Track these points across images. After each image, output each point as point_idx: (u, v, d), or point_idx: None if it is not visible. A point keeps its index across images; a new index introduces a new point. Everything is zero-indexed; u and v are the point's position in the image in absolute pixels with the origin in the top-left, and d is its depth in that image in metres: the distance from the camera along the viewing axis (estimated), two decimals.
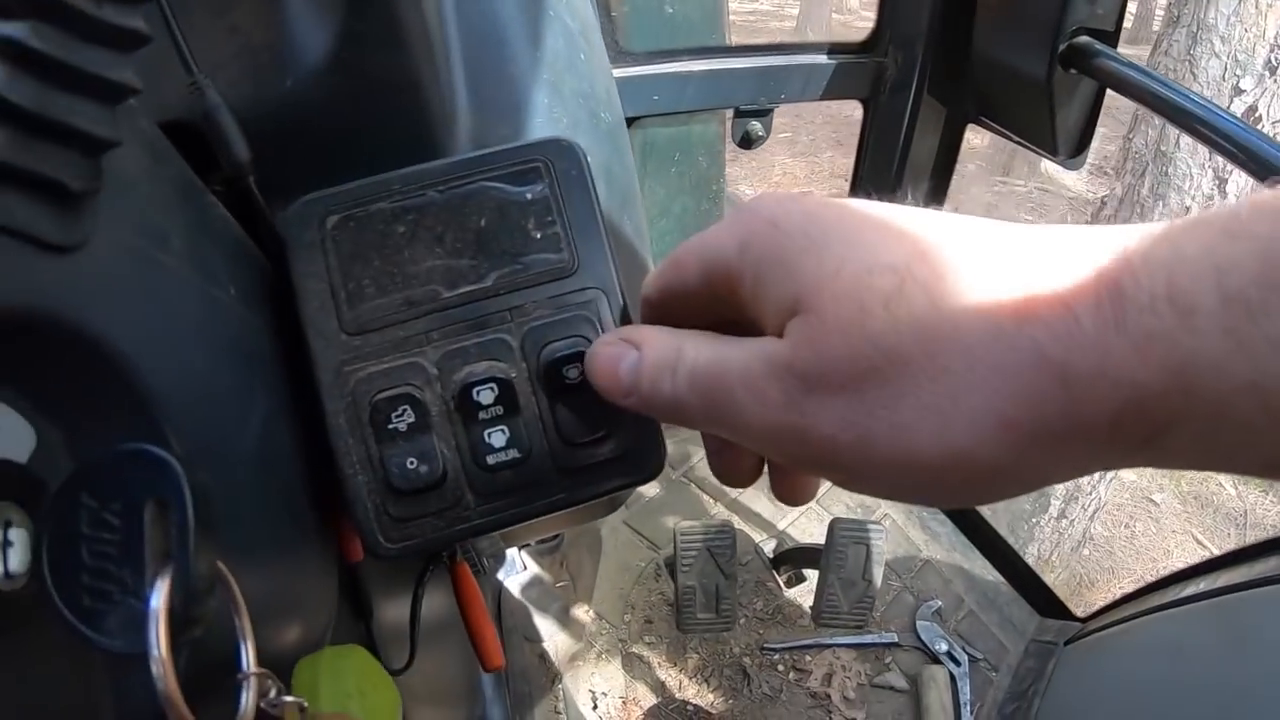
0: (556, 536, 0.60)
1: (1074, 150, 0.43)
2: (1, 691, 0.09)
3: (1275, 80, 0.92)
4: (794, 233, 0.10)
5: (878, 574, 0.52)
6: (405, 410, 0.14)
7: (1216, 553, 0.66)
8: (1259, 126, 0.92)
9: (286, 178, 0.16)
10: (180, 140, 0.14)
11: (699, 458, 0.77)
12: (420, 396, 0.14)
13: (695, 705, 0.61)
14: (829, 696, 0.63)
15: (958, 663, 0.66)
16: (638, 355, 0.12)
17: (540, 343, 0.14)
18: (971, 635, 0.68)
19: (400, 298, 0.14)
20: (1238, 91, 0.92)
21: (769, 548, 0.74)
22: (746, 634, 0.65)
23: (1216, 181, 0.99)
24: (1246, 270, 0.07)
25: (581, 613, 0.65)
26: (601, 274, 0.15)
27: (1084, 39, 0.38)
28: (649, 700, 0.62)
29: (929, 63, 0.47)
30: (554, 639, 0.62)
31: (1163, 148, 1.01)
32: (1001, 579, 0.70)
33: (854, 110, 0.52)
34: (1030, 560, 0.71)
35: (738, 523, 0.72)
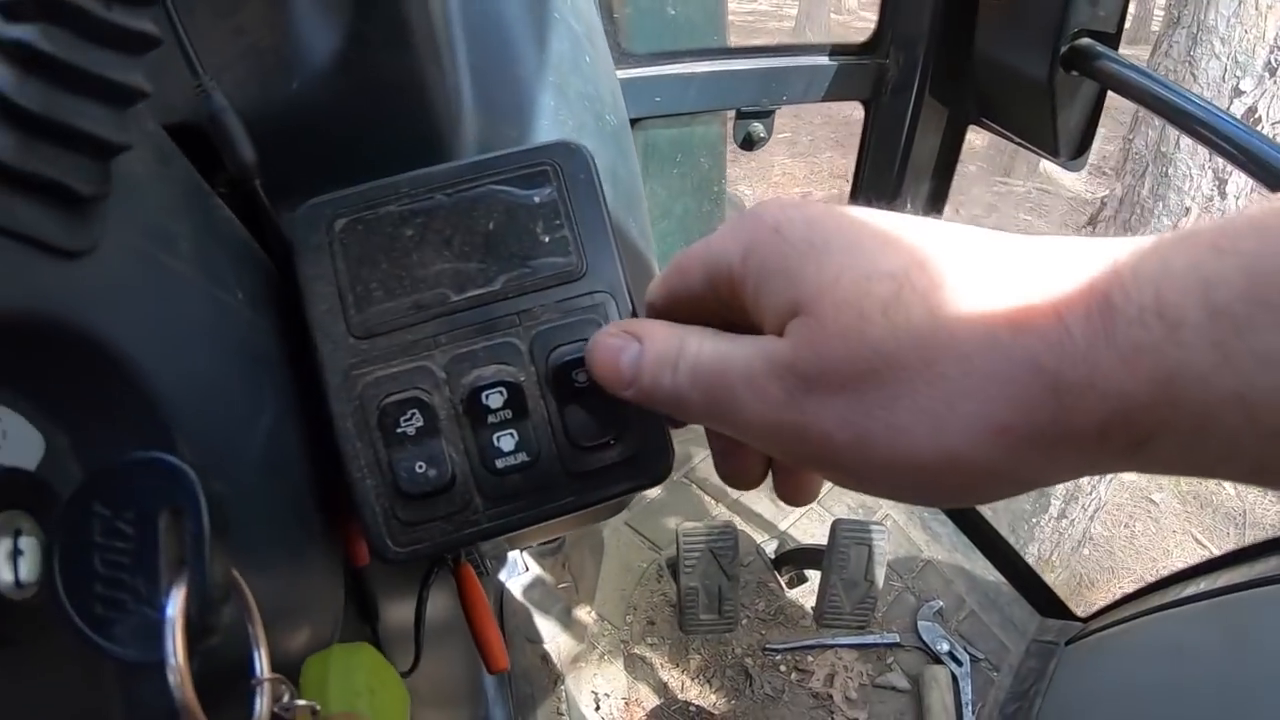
0: (558, 538, 0.60)
1: (1075, 152, 0.43)
2: (12, 700, 0.09)
3: (1275, 82, 0.92)
4: (795, 239, 0.10)
5: (880, 575, 0.52)
6: (414, 414, 0.14)
7: (1216, 553, 0.66)
8: (1258, 127, 0.92)
9: (291, 180, 0.16)
10: (184, 142, 0.14)
11: (700, 458, 0.77)
12: (429, 400, 0.14)
13: (698, 706, 0.62)
14: (831, 697, 0.63)
15: (959, 663, 0.66)
16: (639, 348, 0.12)
17: (549, 346, 0.14)
18: (973, 635, 0.69)
19: (408, 301, 0.14)
20: (1237, 93, 0.92)
21: (770, 549, 0.74)
22: (749, 635, 0.66)
23: (1216, 182, 0.99)
24: (1233, 285, 0.08)
25: (583, 614, 0.65)
26: (609, 277, 0.15)
27: (1085, 41, 0.38)
28: (651, 701, 0.62)
29: (930, 64, 0.47)
30: (556, 640, 0.62)
31: (1163, 149, 1.01)
32: (1003, 579, 0.70)
33: (853, 111, 0.52)
34: (1031, 560, 0.71)
35: (739, 524, 0.72)
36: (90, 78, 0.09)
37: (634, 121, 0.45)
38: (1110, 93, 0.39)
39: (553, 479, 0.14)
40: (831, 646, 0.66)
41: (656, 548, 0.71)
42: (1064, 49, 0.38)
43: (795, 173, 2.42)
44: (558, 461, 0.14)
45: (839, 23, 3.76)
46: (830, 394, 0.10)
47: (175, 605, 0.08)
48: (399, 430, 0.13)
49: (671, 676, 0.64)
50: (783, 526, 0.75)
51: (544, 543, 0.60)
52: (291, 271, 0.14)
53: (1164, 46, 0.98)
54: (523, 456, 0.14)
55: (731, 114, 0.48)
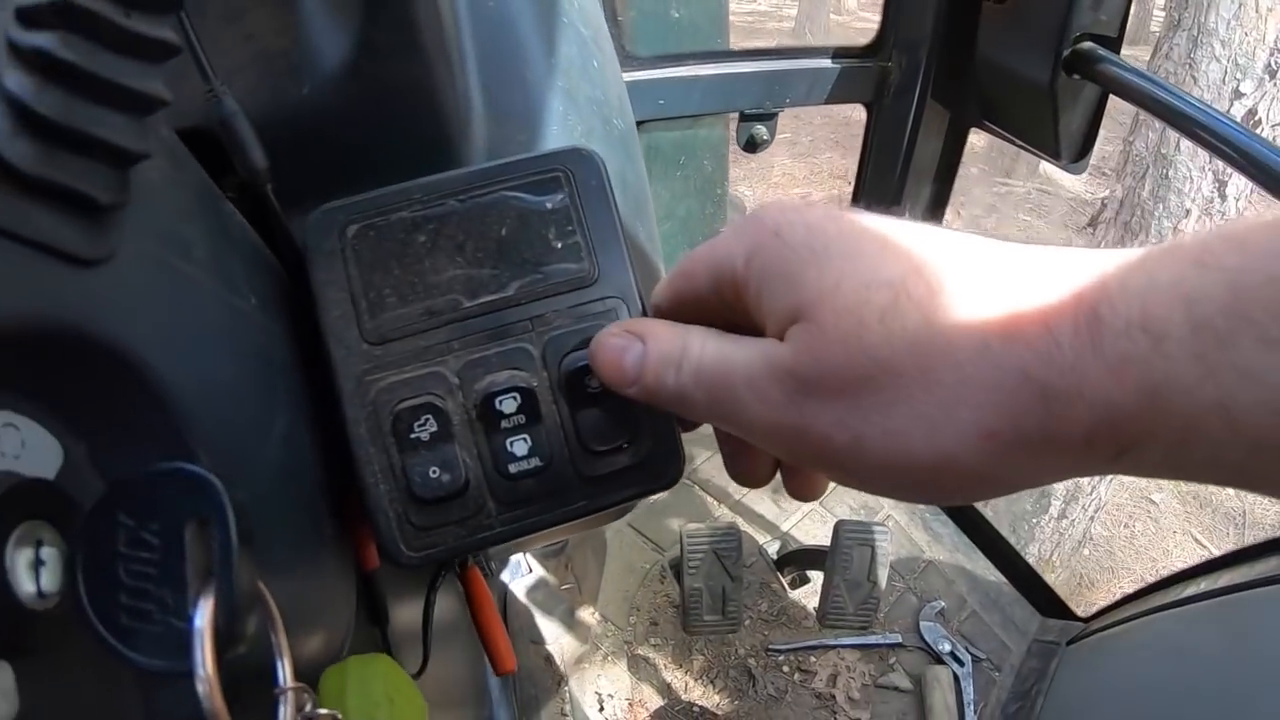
0: (562, 540, 0.60)
1: (1077, 154, 0.43)
2: (34, 711, 0.09)
3: (1275, 84, 0.92)
4: (797, 245, 0.11)
5: (883, 575, 0.52)
6: (427, 419, 0.14)
7: (1216, 553, 0.67)
8: (1259, 130, 0.92)
9: (301, 184, 0.16)
10: (194, 146, 0.14)
11: (702, 460, 0.78)
12: (442, 406, 0.14)
13: (701, 706, 0.62)
14: (834, 697, 0.63)
15: (961, 663, 0.66)
16: (642, 348, 0.12)
17: (561, 352, 0.14)
18: (974, 635, 0.69)
19: (421, 307, 0.14)
20: (1238, 95, 0.93)
21: (773, 550, 0.74)
22: (751, 635, 0.66)
23: (1216, 184, 1.00)
24: (1215, 300, 0.08)
25: (587, 615, 0.65)
26: (621, 283, 0.15)
27: (1087, 44, 0.38)
28: (655, 702, 0.62)
29: (933, 67, 0.47)
30: (560, 641, 0.62)
31: (1163, 151, 1.02)
32: (1004, 580, 0.70)
33: (853, 111, 0.53)
34: (1031, 560, 0.72)
35: (741, 525, 0.72)
36: (110, 86, 0.09)
37: (638, 124, 0.45)
38: (1111, 95, 0.39)
39: (565, 483, 0.14)
40: (834, 647, 0.66)
41: (659, 549, 0.71)
42: (1066, 52, 0.38)
43: (795, 173, 2.43)
44: (570, 466, 0.14)
45: (838, 23, 3.76)
46: (829, 398, 0.10)
47: (204, 616, 0.08)
48: (412, 436, 0.14)
49: (675, 677, 0.64)
50: (785, 527, 0.75)
51: (548, 544, 0.60)
52: (303, 277, 0.14)
53: (1164, 49, 0.99)
54: (536, 461, 0.14)
55: (734, 116, 0.48)
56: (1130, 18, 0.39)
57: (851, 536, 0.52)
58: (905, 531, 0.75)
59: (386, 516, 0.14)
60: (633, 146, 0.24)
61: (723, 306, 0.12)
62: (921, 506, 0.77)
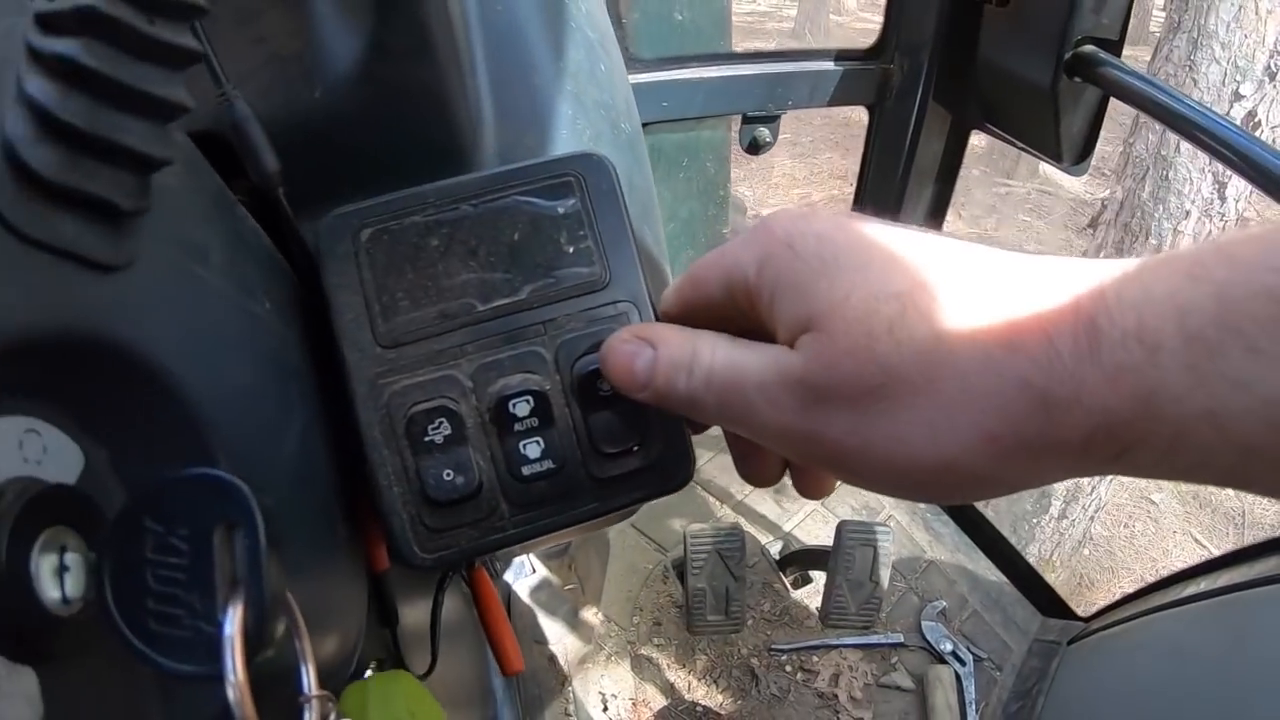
0: (566, 540, 0.60)
1: (1078, 157, 0.43)
2: (57, 717, 0.09)
3: (1275, 86, 0.93)
4: (808, 255, 0.11)
5: (885, 575, 0.52)
6: (441, 422, 0.14)
7: (1215, 552, 0.67)
8: (1258, 132, 0.93)
9: (312, 188, 0.16)
10: (204, 150, 0.14)
11: (705, 460, 0.78)
12: (456, 409, 0.14)
13: (704, 706, 0.62)
14: (836, 696, 0.63)
15: (963, 662, 0.66)
16: (653, 353, 0.13)
17: (573, 355, 0.14)
18: (976, 635, 0.69)
19: (435, 311, 0.14)
20: (1237, 97, 0.93)
21: (775, 550, 0.74)
22: (754, 635, 0.66)
23: (1216, 186, 1.00)
24: (1206, 312, 0.08)
25: (590, 615, 0.65)
26: (632, 287, 0.15)
27: (1089, 48, 0.38)
28: (658, 702, 0.62)
29: (934, 69, 0.47)
30: (563, 641, 0.62)
31: (1163, 152, 1.02)
32: (1005, 579, 0.71)
33: (853, 113, 0.53)
34: (1031, 560, 0.72)
35: (744, 525, 0.72)
36: (134, 93, 0.10)
37: (642, 125, 0.45)
38: (1112, 98, 0.39)
39: (577, 485, 0.14)
40: (836, 647, 0.66)
41: (662, 549, 0.71)
42: (1067, 55, 0.38)
43: (796, 174, 2.43)
44: (582, 468, 0.14)
45: (838, 23, 3.74)
46: (840, 405, 0.11)
47: (235, 621, 0.08)
48: (426, 438, 0.14)
49: (678, 677, 0.64)
50: (787, 528, 0.76)
51: (551, 545, 0.60)
52: (317, 281, 0.15)
53: (1164, 51, 0.99)
54: (548, 464, 0.14)
55: (737, 118, 0.49)
56: (1130, 19, 0.39)
57: (854, 537, 0.52)
58: (907, 532, 0.76)
59: (400, 519, 0.14)
60: (640, 150, 0.24)
61: (734, 312, 0.12)
62: (922, 507, 0.78)
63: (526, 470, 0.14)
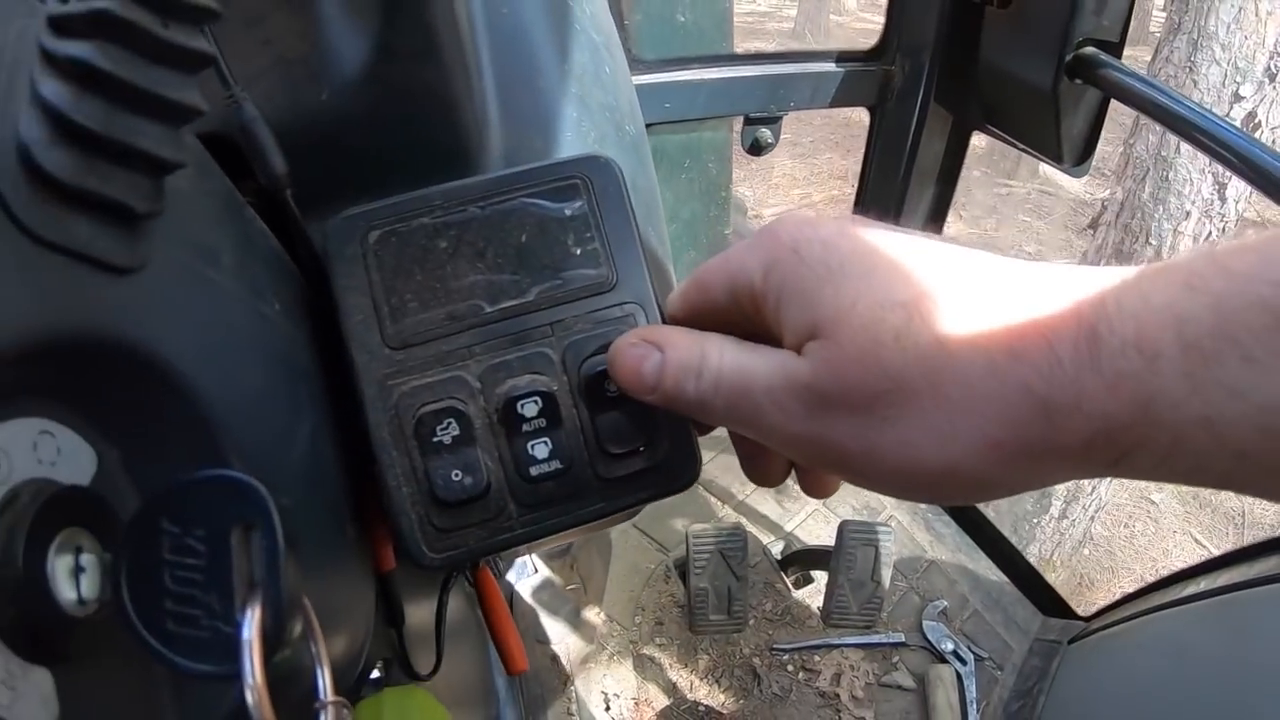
0: (568, 540, 0.60)
1: (1079, 158, 0.43)
2: (72, 717, 0.09)
3: (1275, 87, 0.93)
4: (813, 262, 0.11)
5: (886, 575, 0.53)
6: (450, 423, 0.14)
7: (1215, 552, 0.67)
8: (1258, 133, 0.93)
9: (319, 189, 0.16)
10: (212, 152, 0.14)
11: (706, 460, 0.76)
12: (464, 410, 0.14)
13: (706, 705, 0.62)
14: (838, 696, 0.63)
15: (964, 662, 0.66)
16: (660, 357, 0.13)
17: (581, 356, 0.15)
18: (977, 635, 0.69)
19: (443, 312, 0.14)
20: (1237, 98, 0.93)
21: (777, 550, 0.74)
22: (756, 635, 0.66)
23: (1216, 187, 1.00)
24: (1203, 323, 0.09)
25: (593, 615, 0.65)
26: (639, 289, 0.15)
27: (1090, 50, 0.38)
28: (661, 701, 0.62)
29: (936, 71, 0.47)
30: (565, 641, 0.62)
31: (1163, 153, 1.02)
32: (1005, 579, 0.71)
33: (853, 113, 0.53)
34: (1032, 560, 0.72)
35: (745, 525, 0.72)
36: (148, 96, 0.10)
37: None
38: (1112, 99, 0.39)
39: (584, 485, 0.14)
40: (838, 646, 0.66)
41: (664, 549, 0.72)
42: (1068, 57, 0.38)
43: (796, 174, 2.43)
44: (589, 468, 0.14)
45: (838, 24, 3.74)
46: (846, 412, 0.11)
47: (253, 622, 0.08)
48: (435, 439, 0.14)
49: (680, 676, 0.64)
50: (788, 528, 0.76)
51: (554, 545, 0.60)
52: (324, 282, 0.15)
53: (1165, 52, 0.99)
54: (556, 464, 0.14)
55: (738, 118, 0.49)
56: (1130, 20, 0.39)
57: (856, 537, 0.52)
58: (908, 532, 0.76)
59: (409, 519, 0.14)
60: (643, 152, 0.24)
61: (740, 316, 0.13)
62: (924, 507, 0.78)
63: (534, 470, 0.14)
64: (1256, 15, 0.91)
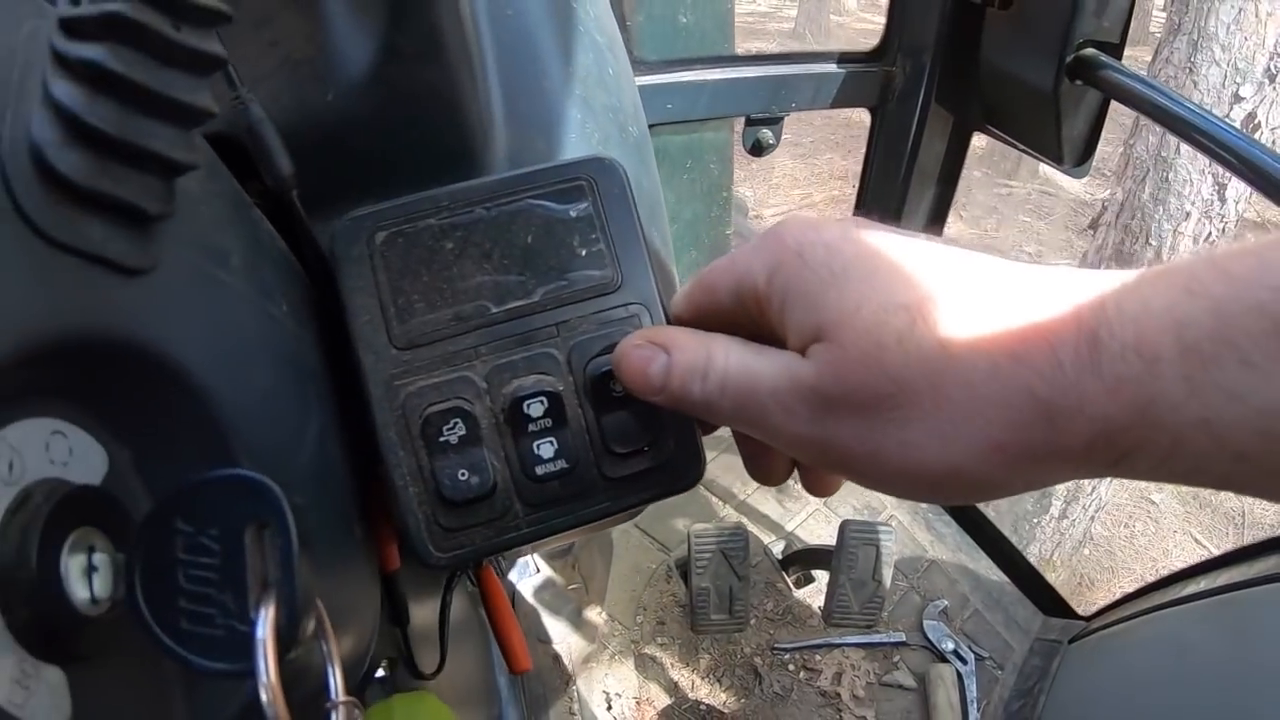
0: (570, 540, 0.60)
1: (1079, 159, 0.43)
2: (84, 716, 0.09)
3: (1275, 88, 0.93)
4: (817, 265, 0.12)
5: (887, 575, 0.53)
6: (456, 423, 0.14)
7: (1215, 552, 0.67)
8: (1258, 134, 0.93)
9: (325, 190, 0.16)
10: (218, 153, 0.14)
11: (708, 460, 0.77)
12: (470, 410, 0.14)
13: (708, 705, 0.62)
14: (839, 695, 0.63)
15: (964, 661, 0.66)
16: (667, 359, 0.13)
17: (586, 357, 0.15)
18: (977, 634, 0.69)
19: (449, 313, 0.14)
20: (1237, 99, 0.93)
21: (778, 549, 0.74)
22: (757, 634, 0.66)
23: (1216, 187, 1.00)
24: (1202, 326, 0.09)
25: (594, 615, 0.65)
26: (644, 290, 0.15)
27: (1090, 51, 0.38)
28: (662, 700, 0.62)
29: (937, 72, 0.47)
30: (567, 640, 0.62)
31: (1163, 154, 1.02)
32: (1006, 579, 0.71)
33: (853, 114, 0.53)
34: (1032, 560, 0.72)
35: (746, 525, 0.72)
36: (160, 98, 0.10)
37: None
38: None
39: (590, 485, 0.14)
40: (839, 646, 0.66)
41: (665, 549, 0.72)
42: (1069, 58, 0.38)
43: (797, 175, 2.43)
44: (594, 468, 0.14)
45: (838, 24, 3.73)
46: (851, 414, 0.11)
47: (267, 621, 0.08)
48: (441, 439, 0.14)
49: (682, 676, 0.64)
50: (789, 527, 0.76)
51: (555, 545, 0.60)
52: (331, 283, 0.15)
53: (1165, 53, 0.99)
54: (562, 464, 0.14)
55: (740, 119, 0.49)
56: (1131, 21, 0.39)
57: (857, 536, 0.52)
58: (908, 531, 0.76)
59: (416, 518, 0.14)
60: (647, 153, 0.24)
61: (744, 318, 0.13)
62: (924, 507, 0.78)
63: (540, 470, 0.14)
64: (1256, 16, 0.91)
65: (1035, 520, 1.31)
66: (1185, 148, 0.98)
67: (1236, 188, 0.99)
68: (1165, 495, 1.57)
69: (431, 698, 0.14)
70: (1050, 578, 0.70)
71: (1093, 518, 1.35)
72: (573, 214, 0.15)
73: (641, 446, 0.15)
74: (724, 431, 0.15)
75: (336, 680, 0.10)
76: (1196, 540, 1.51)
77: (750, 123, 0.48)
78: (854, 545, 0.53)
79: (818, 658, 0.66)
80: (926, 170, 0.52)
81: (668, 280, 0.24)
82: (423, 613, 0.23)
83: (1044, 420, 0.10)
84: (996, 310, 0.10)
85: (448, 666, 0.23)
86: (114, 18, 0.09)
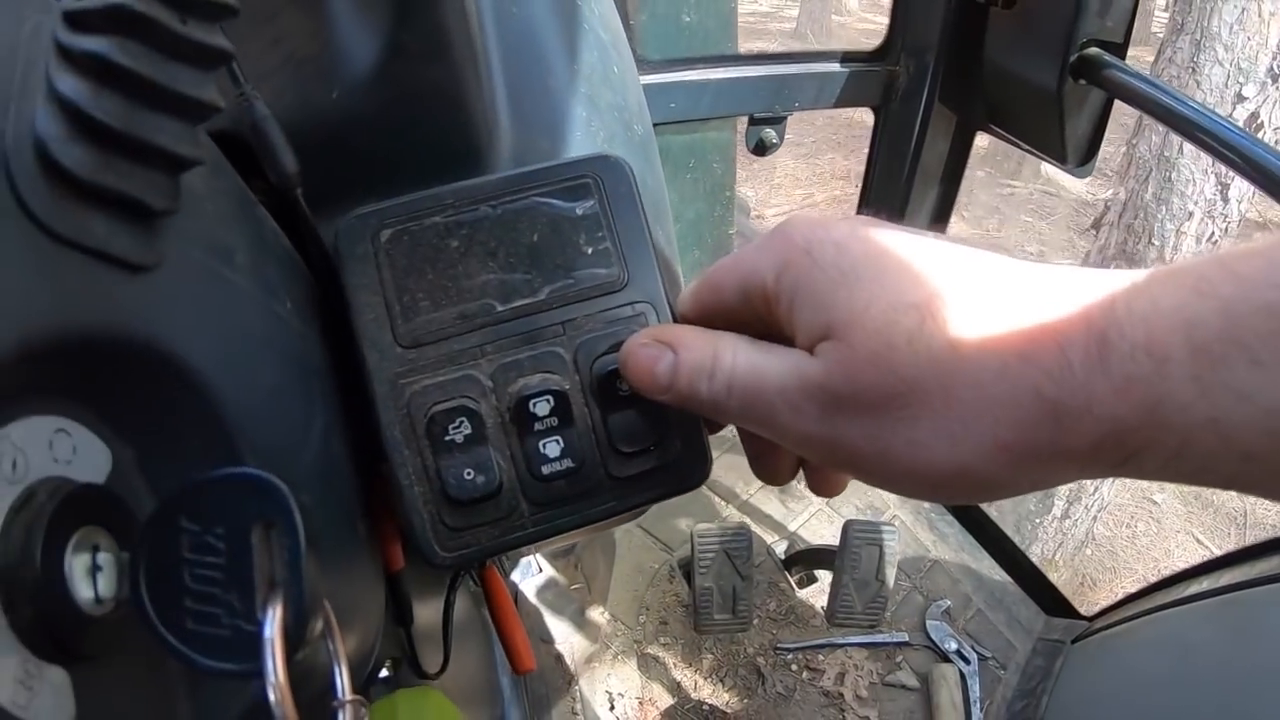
0: (573, 540, 0.60)
1: (1083, 159, 0.43)
2: (88, 716, 0.09)
3: (1277, 88, 0.93)
4: (826, 264, 0.11)
5: (891, 575, 0.52)
6: (462, 422, 0.14)
7: (1217, 552, 0.67)
8: (1261, 133, 0.93)
9: (329, 189, 0.16)
10: (222, 151, 0.14)
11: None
12: (476, 409, 0.14)
13: (711, 705, 0.62)
14: (842, 695, 0.63)
15: (967, 661, 0.66)
16: (673, 358, 0.13)
17: (592, 355, 0.15)
18: (980, 634, 0.69)
19: (454, 311, 0.14)
20: (1240, 99, 0.93)
21: (781, 549, 0.74)
22: (760, 634, 0.66)
23: (1219, 187, 1.00)
24: (1211, 327, 0.09)
25: (597, 614, 0.65)
26: (650, 288, 0.15)
27: (1094, 50, 0.38)
28: (665, 700, 0.62)
29: (940, 71, 0.47)
30: (570, 640, 0.62)
31: (1166, 153, 1.02)
32: (1009, 579, 0.71)
33: (855, 114, 0.53)
34: (1034, 560, 0.72)
35: (749, 525, 0.72)
36: (166, 92, 0.10)
37: None
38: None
39: (596, 484, 0.14)
40: (842, 646, 0.66)
41: (668, 549, 0.72)
42: (1073, 58, 0.38)
43: (798, 175, 2.43)
44: (600, 467, 0.14)
45: (839, 24, 3.72)
46: (859, 413, 0.11)
47: (275, 621, 0.08)
48: (447, 438, 0.14)
49: (684, 676, 0.64)
50: (792, 527, 0.76)
51: (558, 544, 0.60)
52: (335, 281, 0.15)
53: (1168, 53, 0.99)
54: (568, 463, 0.14)
55: (743, 119, 0.49)
56: (1134, 21, 0.39)
57: (860, 536, 0.52)
58: (911, 531, 0.76)
59: (421, 518, 0.14)
60: (651, 152, 0.24)
61: (751, 316, 0.13)
62: (927, 506, 0.78)
63: (546, 469, 0.14)
64: (1259, 16, 0.91)
65: (1038, 520, 1.31)
66: (1188, 147, 0.98)
67: (1239, 187, 0.99)
68: (1167, 495, 1.57)
69: (435, 693, 0.14)
70: (1052, 578, 0.70)
71: (1095, 518, 1.34)
72: (579, 212, 0.15)
73: (648, 446, 0.15)
74: (727, 431, 0.15)
75: (343, 679, 0.10)
76: (1198, 540, 1.51)
77: (753, 122, 0.48)
78: (857, 545, 0.52)
79: (821, 658, 0.65)
80: (929, 170, 0.51)
81: (673, 279, 0.24)
82: (426, 612, 0.23)
83: (1051, 420, 0.10)
84: (1006, 310, 0.10)
85: (451, 666, 0.23)
86: (119, 10, 0.09)
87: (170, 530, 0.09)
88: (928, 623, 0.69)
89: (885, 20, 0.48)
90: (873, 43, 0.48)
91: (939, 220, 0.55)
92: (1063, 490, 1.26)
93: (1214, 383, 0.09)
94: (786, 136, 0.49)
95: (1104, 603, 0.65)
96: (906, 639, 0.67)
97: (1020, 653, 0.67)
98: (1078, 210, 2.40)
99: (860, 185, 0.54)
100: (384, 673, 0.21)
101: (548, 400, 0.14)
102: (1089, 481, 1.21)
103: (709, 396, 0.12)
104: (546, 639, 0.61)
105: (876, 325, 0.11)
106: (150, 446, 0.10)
